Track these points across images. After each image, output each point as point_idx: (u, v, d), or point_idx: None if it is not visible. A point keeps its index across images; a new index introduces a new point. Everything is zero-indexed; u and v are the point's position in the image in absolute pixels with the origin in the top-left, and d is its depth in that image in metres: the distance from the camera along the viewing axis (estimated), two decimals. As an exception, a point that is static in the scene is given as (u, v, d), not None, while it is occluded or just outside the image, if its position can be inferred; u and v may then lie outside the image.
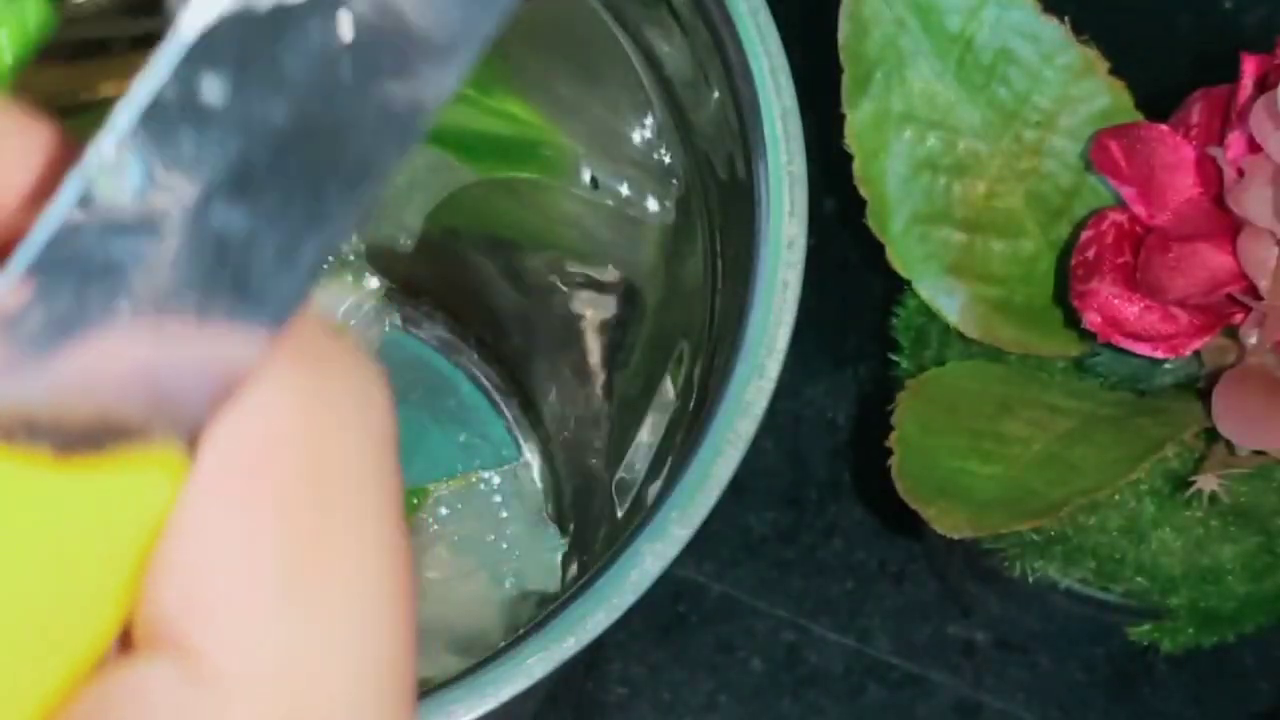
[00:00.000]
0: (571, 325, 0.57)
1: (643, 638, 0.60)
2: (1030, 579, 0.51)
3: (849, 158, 0.50)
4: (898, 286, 0.52)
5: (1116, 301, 0.48)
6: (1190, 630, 0.51)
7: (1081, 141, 0.50)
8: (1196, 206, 0.48)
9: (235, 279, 0.17)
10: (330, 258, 0.17)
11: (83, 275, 0.17)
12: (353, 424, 0.18)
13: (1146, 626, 0.52)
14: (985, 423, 0.49)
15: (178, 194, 0.17)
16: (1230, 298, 0.47)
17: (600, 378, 0.55)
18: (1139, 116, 0.50)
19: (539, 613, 0.37)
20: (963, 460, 0.48)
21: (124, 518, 0.17)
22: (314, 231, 0.17)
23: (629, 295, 0.53)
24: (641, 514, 0.38)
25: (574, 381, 0.57)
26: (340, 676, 0.18)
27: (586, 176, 0.52)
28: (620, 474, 0.51)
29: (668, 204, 0.49)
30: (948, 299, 0.51)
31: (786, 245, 0.40)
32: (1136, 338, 0.48)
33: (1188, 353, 0.48)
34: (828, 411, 0.63)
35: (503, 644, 0.36)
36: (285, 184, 0.17)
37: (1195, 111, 0.49)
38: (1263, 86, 0.46)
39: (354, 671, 0.18)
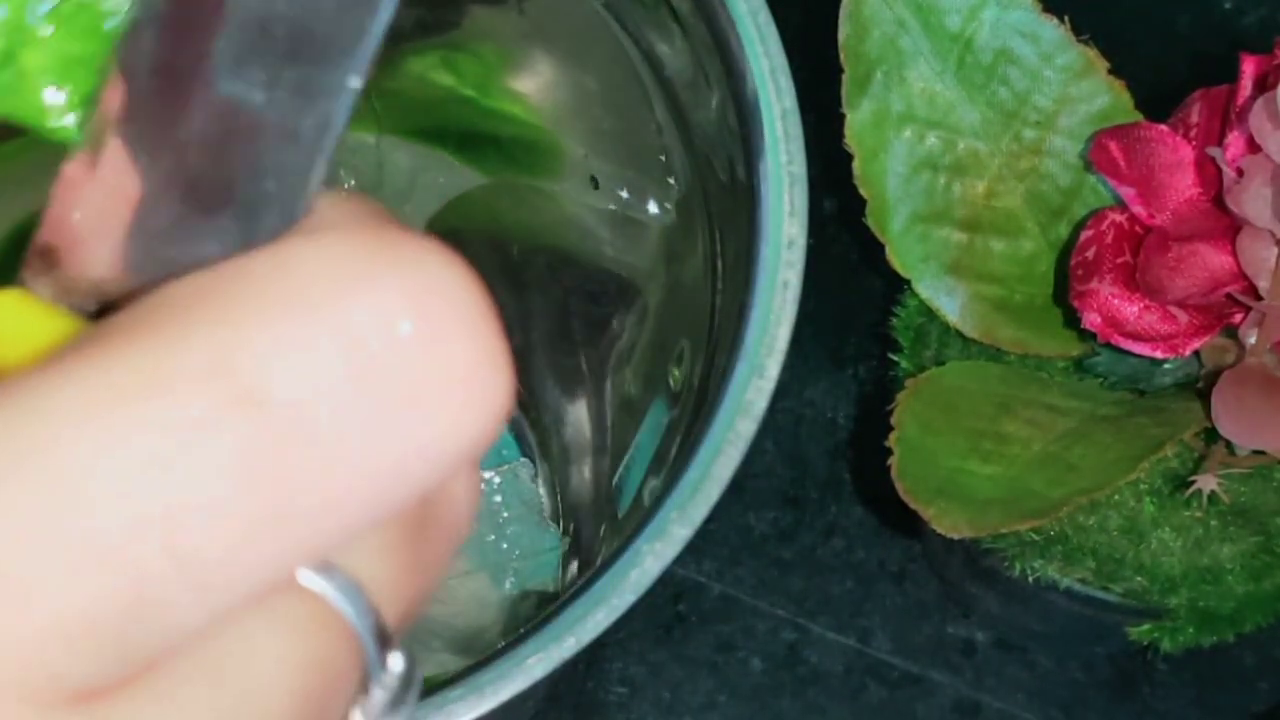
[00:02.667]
0: (571, 325, 0.57)
1: (643, 637, 0.60)
2: (1030, 579, 0.51)
3: (849, 158, 0.50)
4: (898, 286, 0.52)
5: (1116, 301, 0.48)
6: (1190, 630, 0.51)
7: (1081, 141, 0.50)
8: (1196, 206, 0.48)
9: None
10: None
11: None
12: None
13: (1146, 626, 0.52)
14: (985, 423, 0.49)
15: None
16: (1230, 298, 0.47)
17: (600, 378, 0.55)
18: (1139, 116, 0.50)
19: (539, 613, 0.37)
20: (962, 460, 0.48)
21: None
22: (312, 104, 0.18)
23: (629, 295, 0.53)
24: (641, 514, 0.37)
25: (574, 381, 0.57)
26: None
27: (586, 178, 0.52)
28: (620, 474, 0.51)
29: (668, 205, 0.49)
30: (948, 299, 0.51)
31: (786, 245, 0.40)
32: (1136, 338, 0.48)
33: (1187, 353, 0.48)
34: (828, 411, 0.63)
35: (503, 644, 0.36)
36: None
37: (1195, 111, 0.49)
38: (1262, 86, 0.46)
39: None
